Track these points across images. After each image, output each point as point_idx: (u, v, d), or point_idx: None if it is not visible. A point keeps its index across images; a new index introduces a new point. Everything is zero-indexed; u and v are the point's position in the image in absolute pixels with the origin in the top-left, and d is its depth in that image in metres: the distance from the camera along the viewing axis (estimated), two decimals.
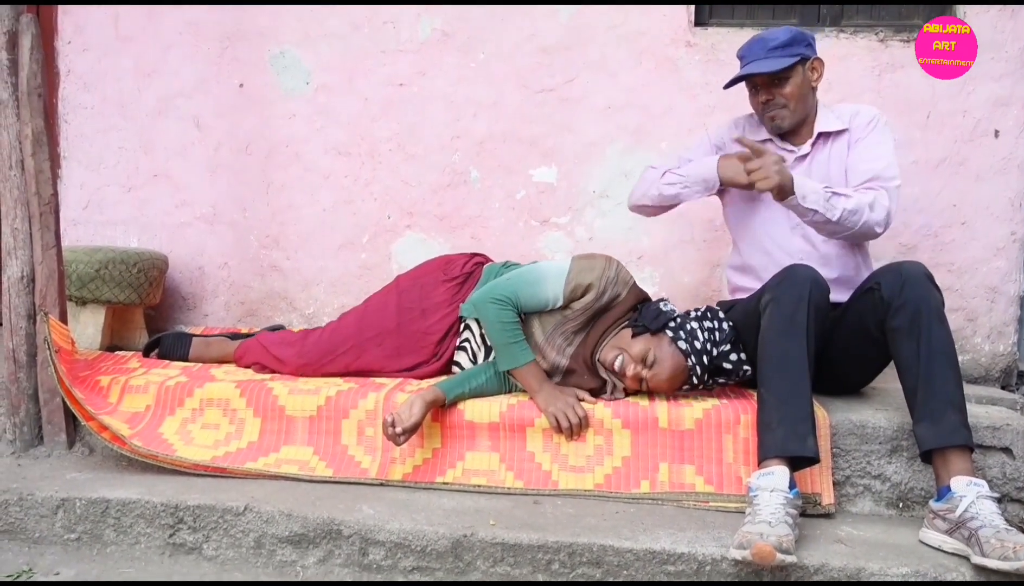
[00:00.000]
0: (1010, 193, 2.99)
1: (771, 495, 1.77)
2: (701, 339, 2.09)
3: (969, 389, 2.66)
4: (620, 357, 2.13)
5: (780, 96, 2.27)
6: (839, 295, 2.22)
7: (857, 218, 2.16)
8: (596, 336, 2.21)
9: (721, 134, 2.49)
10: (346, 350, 2.41)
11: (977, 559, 1.66)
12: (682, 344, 2.08)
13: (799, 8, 3.08)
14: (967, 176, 2.99)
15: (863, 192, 2.19)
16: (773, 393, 1.93)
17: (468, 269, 2.45)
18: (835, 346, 2.16)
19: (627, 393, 2.23)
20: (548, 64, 3.12)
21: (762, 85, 2.30)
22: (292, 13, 3.21)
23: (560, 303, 2.20)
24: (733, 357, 2.11)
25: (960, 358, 3.00)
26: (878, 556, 1.75)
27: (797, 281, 2.01)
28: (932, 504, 1.83)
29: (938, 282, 3.10)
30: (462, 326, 2.39)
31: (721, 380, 2.15)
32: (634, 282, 2.26)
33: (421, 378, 2.38)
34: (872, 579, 1.70)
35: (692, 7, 3.05)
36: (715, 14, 3.11)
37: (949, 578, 1.69)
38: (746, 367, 2.12)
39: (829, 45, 2.99)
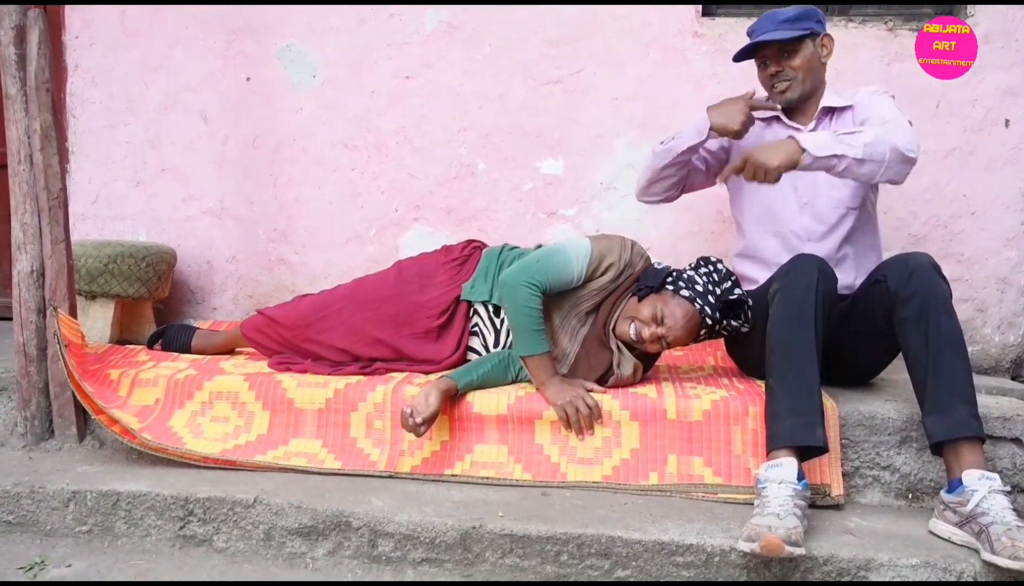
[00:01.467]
0: (1020, 183, 2.97)
1: (780, 487, 1.77)
2: (701, 282, 2.15)
3: (979, 380, 2.65)
4: (633, 325, 2.15)
5: (789, 68, 2.29)
6: (849, 274, 2.23)
7: (882, 147, 2.05)
8: (607, 311, 2.23)
9: None
10: (340, 309, 2.41)
11: (987, 556, 1.66)
12: (685, 292, 2.13)
13: None
14: (977, 166, 2.97)
15: (872, 126, 2.12)
16: (782, 383, 1.92)
17: (467, 252, 2.50)
18: (843, 338, 2.15)
19: (635, 374, 2.23)
20: (554, 56, 3.12)
21: (771, 58, 2.31)
22: (299, 7, 3.21)
23: (580, 282, 2.22)
24: (737, 291, 2.15)
25: (970, 349, 2.99)
26: (888, 547, 1.75)
27: (805, 270, 2.00)
28: (943, 495, 1.82)
29: (948, 273, 3.08)
30: (471, 312, 2.40)
31: (735, 323, 2.16)
32: (647, 256, 2.31)
33: (428, 374, 2.38)
34: (881, 570, 1.70)
35: None
36: (723, 4, 3.10)
37: (959, 569, 1.69)
38: (750, 302, 2.17)
39: (837, 34, 2.95)
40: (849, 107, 2.33)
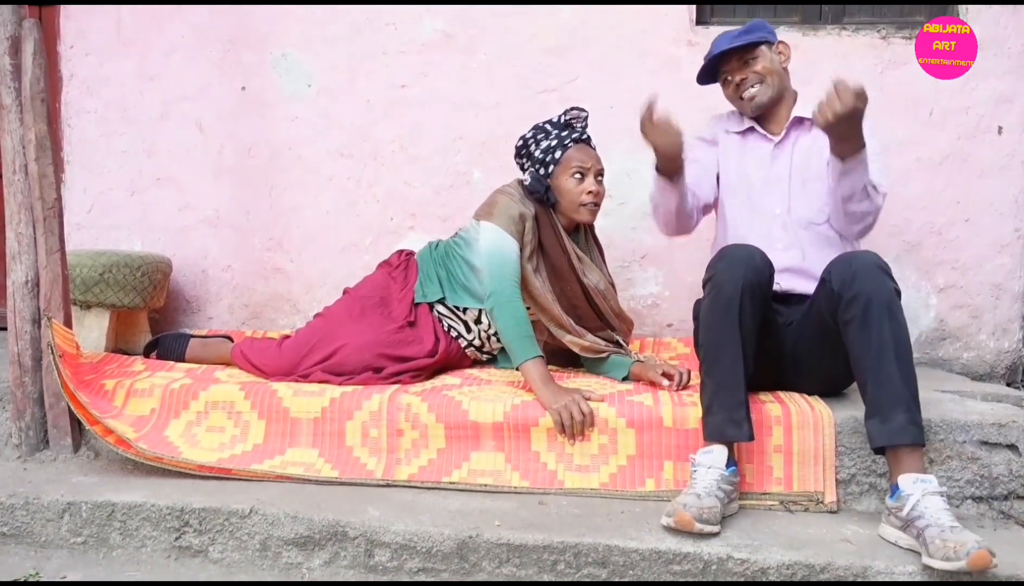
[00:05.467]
0: (1014, 190, 2.98)
1: (708, 471, 1.88)
2: (543, 143, 2.47)
3: (974, 386, 2.66)
4: (580, 199, 2.44)
5: (753, 73, 2.31)
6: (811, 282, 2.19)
7: (872, 218, 2.16)
8: (547, 240, 2.47)
9: (706, 132, 2.51)
10: (320, 338, 2.46)
11: (925, 559, 1.67)
12: (545, 151, 2.46)
13: (801, 7, 3.08)
14: (970, 173, 2.99)
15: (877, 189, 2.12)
16: (710, 378, 1.99)
17: (404, 259, 2.67)
18: (804, 343, 2.13)
19: (603, 271, 2.60)
20: (549, 64, 3.12)
21: (733, 71, 2.34)
22: (293, 16, 3.21)
23: (519, 249, 2.41)
24: (554, 116, 2.52)
25: (965, 355, 3.05)
26: (884, 554, 1.75)
27: (732, 263, 2.00)
28: (887, 501, 1.84)
29: (942, 279, 3.11)
30: (437, 315, 2.54)
31: (581, 117, 2.50)
32: (518, 181, 2.55)
33: (420, 370, 2.44)
34: (878, 577, 1.70)
35: (693, 6, 3.05)
36: (716, 13, 3.11)
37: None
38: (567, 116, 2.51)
39: (831, 43, 2.99)
40: None
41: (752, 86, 2.33)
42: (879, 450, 1.89)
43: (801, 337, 2.14)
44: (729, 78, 2.37)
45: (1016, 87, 2.94)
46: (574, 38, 3.10)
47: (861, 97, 1.88)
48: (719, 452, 1.91)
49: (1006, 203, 2.99)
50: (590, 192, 2.43)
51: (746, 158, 2.41)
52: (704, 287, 2.06)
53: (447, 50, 3.17)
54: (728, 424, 1.93)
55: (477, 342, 2.59)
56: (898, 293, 1.91)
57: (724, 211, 2.47)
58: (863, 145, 1.99)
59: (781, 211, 2.33)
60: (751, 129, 2.42)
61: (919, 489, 1.75)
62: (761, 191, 2.36)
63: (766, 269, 2.03)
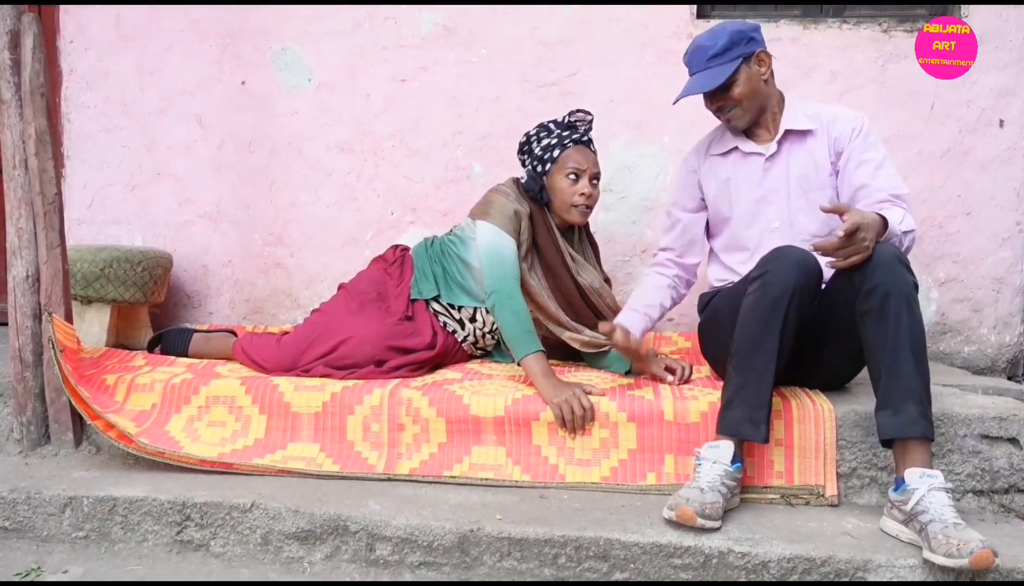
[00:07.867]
0: (1015, 183, 2.98)
1: (713, 466, 1.88)
2: (544, 140, 2.49)
3: (975, 379, 2.67)
4: (572, 203, 2.46)
5: (729, 101, 2.23)
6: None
7: (910, 240, 2.11)
8: (541, 238, 2.50)
9: (691, 161, 2.44)
10: (320, 333, 2.47)
11: (927, 554, 1.67)
12: (546, 149, 2.49)
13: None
14: (972, 166, 2.98)
15: (906, 214, 2.11)
16: (739, 374, 1.96)
17: (399, 254, 2.68)
18: (815, 334, 2.11)
19: (599, 269, 2.65)
20: (550, 58, 3.12)
21: (709, 95, 2.26)
22: (293, 10, 3.21)
23: (516, 246, 2.43)
24: (552, 121, 2.54)
25: (966, 349, 3.05)
26: (885, 548, 1.75)
27: (785, 264, 1.97)
28: (890, 494, 1.84)
29: (943, 273, 3.10)
30: (432, 311, 2.55)
31: (584, 117, 2.51)
32: (513, 179, 2.59)
33: (421, 363, 2.46)
34: (879, 571, 1.70)
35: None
36: (717, 6, 3.10)
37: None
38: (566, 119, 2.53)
39: (832, 36, 2.99)
40: (810, 131, 2.25)
41: (730, 111, 2.25)
42: (887, 442, 1.88)
43: (817, 327, 2.11)
44: (707, 96, 2.28)
45: (1017, 80, 2.94)
46: (574, 32, 3.10)
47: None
48: (726, 447, 1.90)
49: (1007, 197, 2.98)
50: (582, 194, 2.45)
51: (736, 175, 2.33)
52: (751, 283, 2.02)
53: (447, 44, 3.16)
54: (746, 422, 1.92)
55: (471, 339, 2.61)
56: (916, 287, 1.91)
57: (716, 231, 2.42)
58: (885, 229, 1.97)
59: (780, 224, 2.27)
60: (735, 148, 2.33)
61: (925, 484, 1.75)
62: (756, 206, 2.30)
63: (818, 275, 2.01)
